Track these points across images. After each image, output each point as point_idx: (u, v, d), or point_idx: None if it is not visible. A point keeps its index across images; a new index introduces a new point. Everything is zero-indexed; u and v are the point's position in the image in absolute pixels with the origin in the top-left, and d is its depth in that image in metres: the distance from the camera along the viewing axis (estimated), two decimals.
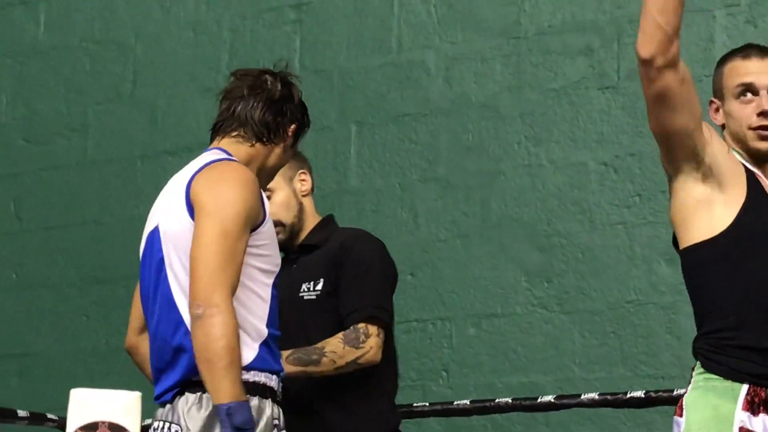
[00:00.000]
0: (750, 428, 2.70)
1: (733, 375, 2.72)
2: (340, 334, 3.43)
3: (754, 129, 2.87)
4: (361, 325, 3.42)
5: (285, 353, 3.28)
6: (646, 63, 2.73)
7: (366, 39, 5.78)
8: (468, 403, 4.88)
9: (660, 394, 4.50)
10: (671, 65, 2.69)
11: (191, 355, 2.87)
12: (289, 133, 3.12)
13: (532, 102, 5.36)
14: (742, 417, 2.71)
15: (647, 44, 2.71)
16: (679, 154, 2.83)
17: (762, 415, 2.74)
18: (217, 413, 2.80)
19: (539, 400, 4.69)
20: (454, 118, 5.50)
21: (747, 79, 2.88)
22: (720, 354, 2.75)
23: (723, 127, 2.96)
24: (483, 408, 4.88)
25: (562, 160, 5.28)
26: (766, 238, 2.83)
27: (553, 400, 4.67)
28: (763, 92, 2.87)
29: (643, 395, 4.52)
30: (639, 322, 5.12)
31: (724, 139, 2.96)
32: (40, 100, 6.44)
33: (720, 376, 2.74)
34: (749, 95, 2.87)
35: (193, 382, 2.90)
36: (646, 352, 5.15)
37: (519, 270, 5.31)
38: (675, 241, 2.95)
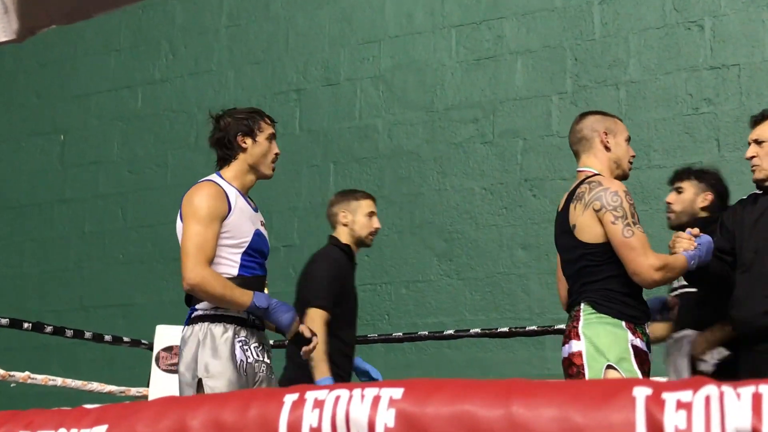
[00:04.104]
0: (635, 344, 3.18)
1: (618, 315, 3.20)
2: None
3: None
4: None
5: None
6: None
7: (339, 111, 6.77)
8: (401, 334, 5.82)
9: (517, 329, 5.55)
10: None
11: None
12: (239, 141, 3.36)
13: (441, 150, 6.34)
14: (630, 337, 3.19)
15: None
16: None
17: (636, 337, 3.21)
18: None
19: (444, 332, 5.69)
20: (392, 160, 6.53)
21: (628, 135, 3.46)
22: (608, 302, 3.21)
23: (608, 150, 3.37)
24: (410, 338, 5.85)
25: (457, 186, 6.23)
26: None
27: (452, 333, 5.64)
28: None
29: (507, 330, 5.55)
30: (505, 286, 5.98)
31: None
32: (139, 147, 7.47)
33: (608, 315, 3.20)
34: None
35: (193, 318, 3.33)
36: (509, 303, 6.00)
37: (432, 253, 6.25)
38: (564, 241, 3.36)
